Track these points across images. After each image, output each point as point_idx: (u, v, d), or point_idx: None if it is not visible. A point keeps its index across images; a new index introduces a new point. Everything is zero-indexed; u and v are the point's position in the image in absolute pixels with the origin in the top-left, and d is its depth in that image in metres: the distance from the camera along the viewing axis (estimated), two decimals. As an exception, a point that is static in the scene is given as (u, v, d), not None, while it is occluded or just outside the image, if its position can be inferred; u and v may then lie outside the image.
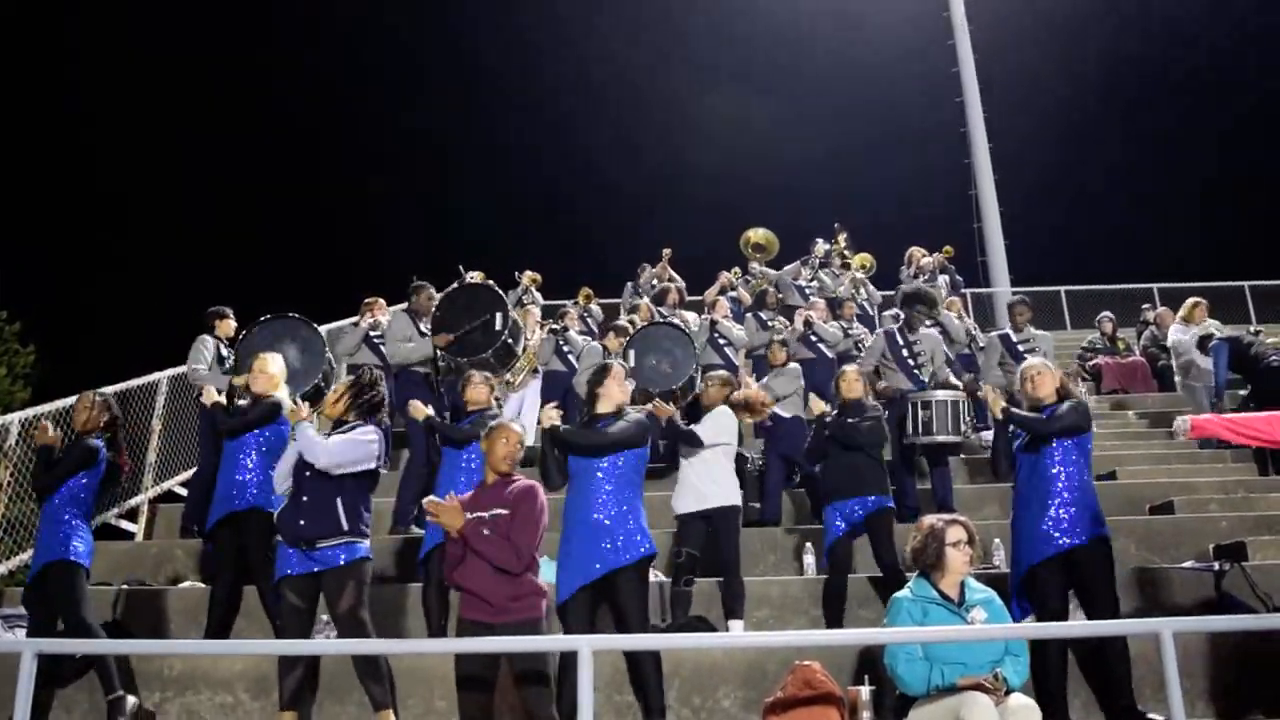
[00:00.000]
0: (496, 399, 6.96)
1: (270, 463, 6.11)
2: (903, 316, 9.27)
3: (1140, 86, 35.97)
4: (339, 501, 5.25)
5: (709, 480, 6.49)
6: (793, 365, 9.09)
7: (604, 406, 5.56)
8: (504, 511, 4.60)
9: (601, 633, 5.17)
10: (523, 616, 4.47)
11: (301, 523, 5.23)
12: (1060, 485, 5.50)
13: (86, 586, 5.95)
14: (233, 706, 5.85)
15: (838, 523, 6.62)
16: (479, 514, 4.60)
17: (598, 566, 5.17)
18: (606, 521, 5.22)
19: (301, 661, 5.32)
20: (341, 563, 5.24)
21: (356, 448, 5.33)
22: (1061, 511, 5.44)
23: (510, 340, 8.53)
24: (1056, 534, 5.41)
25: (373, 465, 5.41)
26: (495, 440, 4.82)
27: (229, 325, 8.90)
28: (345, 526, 5.25)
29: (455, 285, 8.96)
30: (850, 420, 6.82)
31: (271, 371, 6.46)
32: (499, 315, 8.46)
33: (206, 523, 6.44)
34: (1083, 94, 37.08)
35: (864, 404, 7.01)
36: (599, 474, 5.33)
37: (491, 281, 9.32)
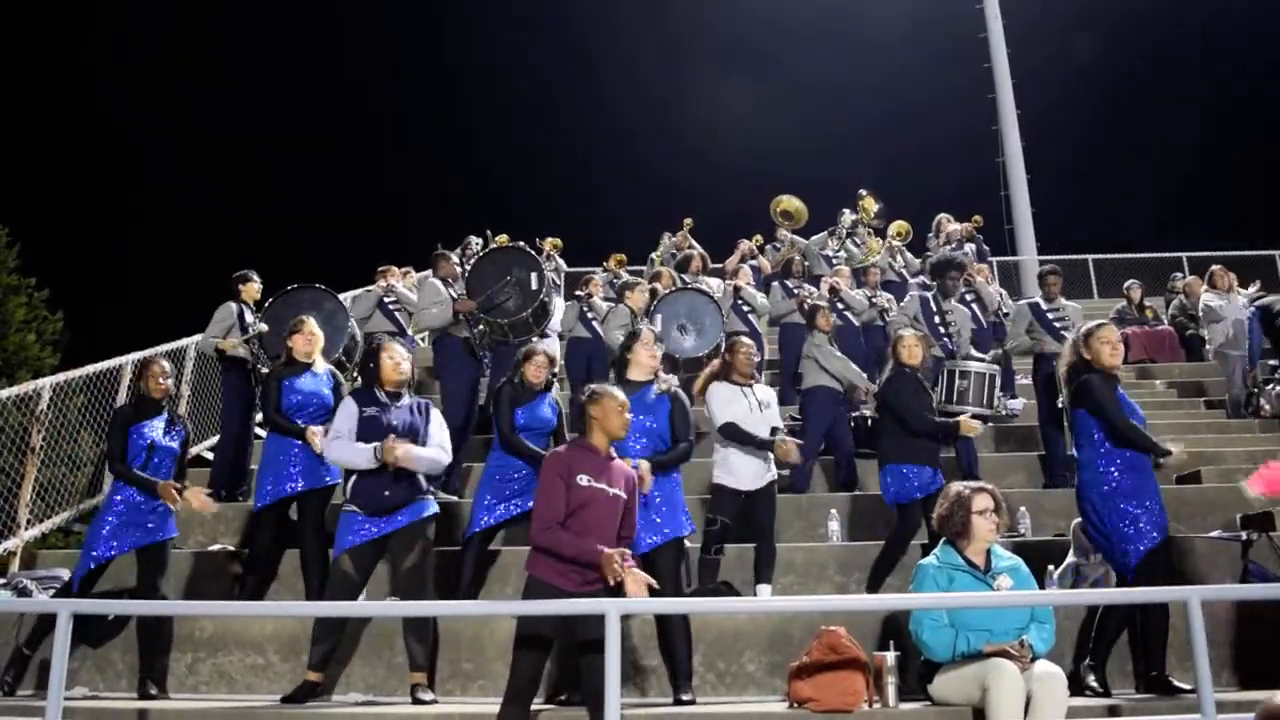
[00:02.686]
0: (554, 374, 6.96)
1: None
2: (934, 285, 9.24)
3: (1170, 53, 35.39)
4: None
5: (751, 461, 6.42)
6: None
7: (635, 374, 5.65)
8: (623, 495, 4.47)
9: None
10: (600, 586, 4.35)
11: (387, 493, 5.38)
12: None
13: None
14: (264, 668, 5.92)
15: (915, 485, 6.54)
16: (602, 486, 4.41)
17: (641, 542, 5.27)
18: (653, 499, 5.35)
19: (340, 629, 5.41)
20: (412, 520, 5.42)
21: (446, 438, 5.67)
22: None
23: (546, 300, 8.51)
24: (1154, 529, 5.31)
25: None
26: (610, 406, 4.54)
27: (254, 289, 8.92)
28: (425, 486, 5.55)
29: (485, 250, 8.94)
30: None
31: (317, 333, 6.61)
32: (534, 275, 8.42)
33: (255, 504, 6.47)
34: (1112, 60, 36.52)
35: (919, 371, 6.99)
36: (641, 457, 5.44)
37: (522, 243, 9.30)
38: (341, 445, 5.46)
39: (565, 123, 46.89)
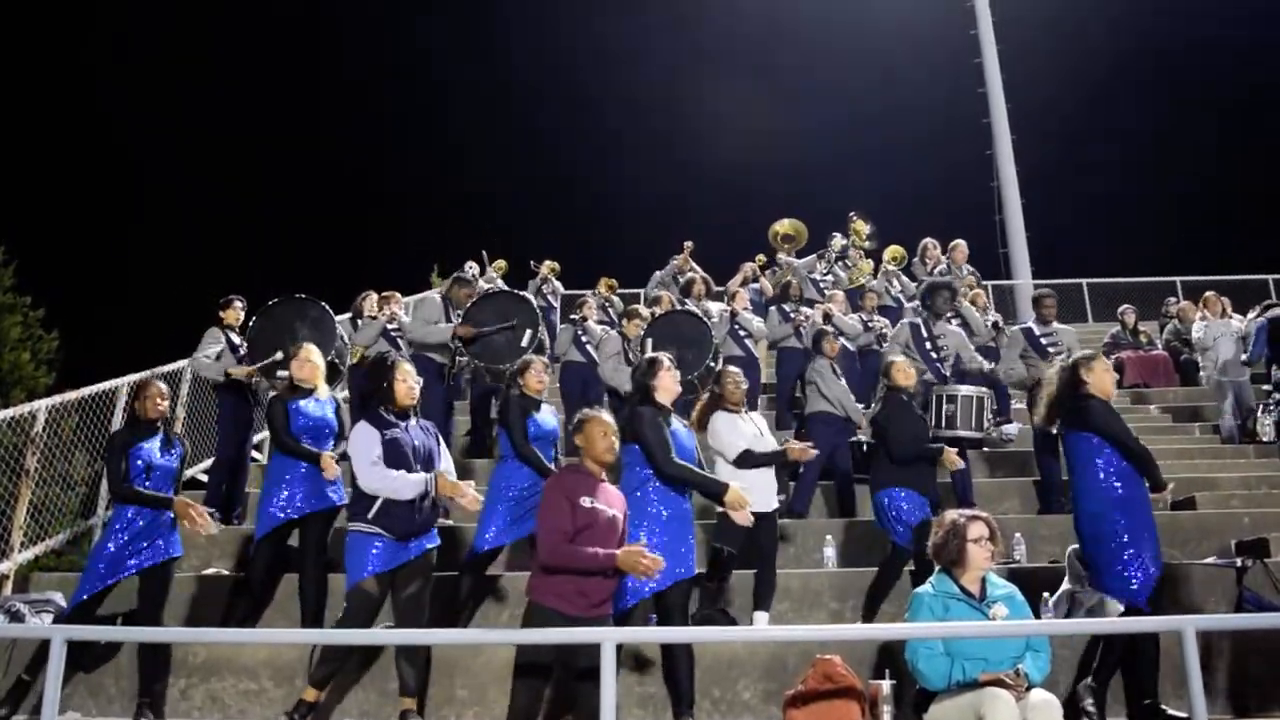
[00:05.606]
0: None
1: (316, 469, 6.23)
2: (925, 309, 9.27)
3: (1164, 78, 35.66)
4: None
5: (759, 484, 6.39)
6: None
7: (663, 398, 5.60)
8: (620, 515, 4.61)
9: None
10: (607, 611, 4.53)
11: (418, 517, 5.38)
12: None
13: None
14: (257, 693, 5.91)
15: (916, 509, 6.51)
16: (604, 508, 4.55)
17: (651, 586, 5.15)
18: (659, 540, 5.21)
19: (351, 653, 5.45)
20: (423, 549, 5.44)
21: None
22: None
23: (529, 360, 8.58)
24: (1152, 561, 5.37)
25: None
26: (594, 432, 4.68)
27: (235, 313, 8.90)
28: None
29: (497, 290, 8.99)
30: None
31: (316, 362, 6.56)
32: (529, 332, 8.46)
33: (257, 530, 6.43)
34: (1106, 85, 36.80)
35: (913, 393, 7.01)
36: (651, 491, 5.37)
37: (531, 296, 9.39)
38: (385, 474, 5.32)
39: (564, 127, 47.10)
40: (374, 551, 5.32)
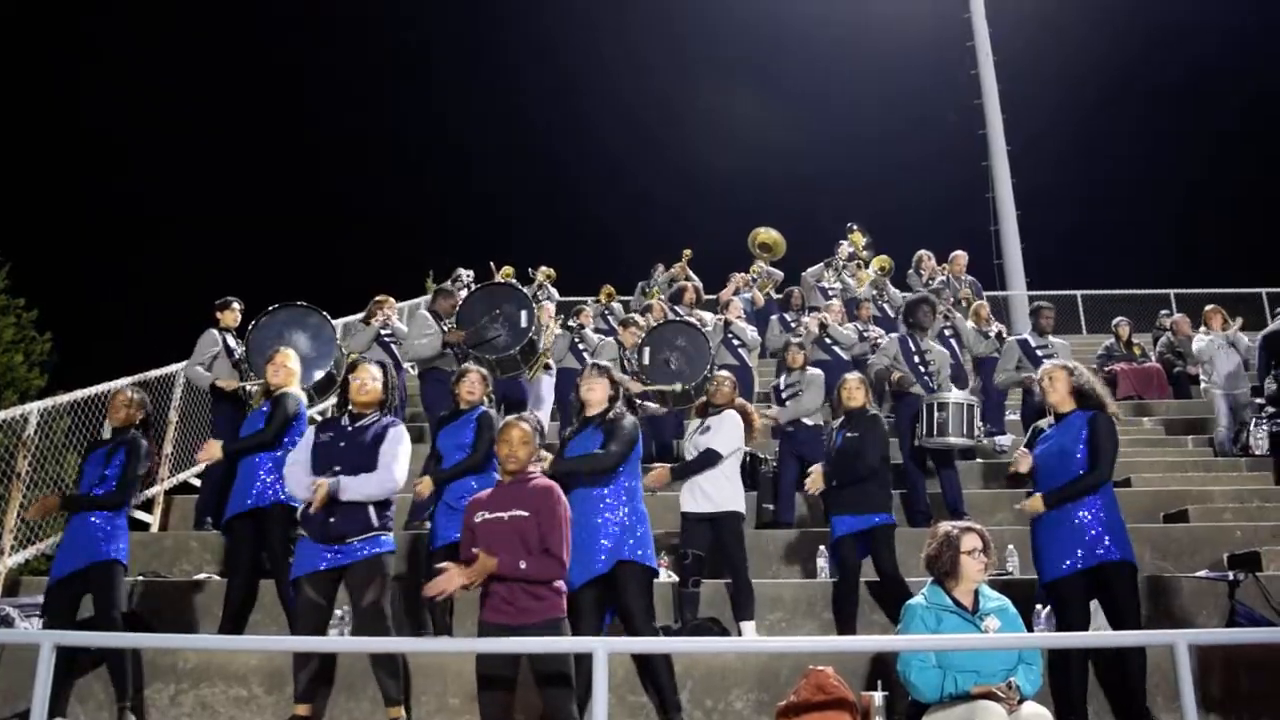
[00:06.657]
0: (489, 394, 6.95)
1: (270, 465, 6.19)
2: (908, 326, 9.26)
3: (1157, 90, 35.83)
4: (369, 502, 5.31)
5: (714, 484, 6.52)
6: (814, 372, 9.03)
7: (589, 410, 5.61)
8: (523, 513, 4.51)
9: (609, 633, 5.22)
10: (544, 618, 4.41)
11: (332, 520, 5.22)
12: (1090, 498, 5.39)
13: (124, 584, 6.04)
14: (247, 700, 5.87)
15: (842, 531, 6.59)
16: (497, 514, 4.54)
17: (603, 559, 5.21)
18: (611, 525, 5.24)
19: (316, 656, 5.34)
20: (366, 555, 5.26)
21: (400, 458, 5.40)
22: (1091, 525, 5.34)
23: (535, 337, 8.59)
24: (1081, 549, 5.31)
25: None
26: (498, 442, 4.73)
27: (233, 316, 8.91)
28: (375, 523, 5.31)
29: (478, 285, 9.01)
30: (852, 446, 6.79)
31: (291, 366, 6.50)
32: (524, 313, 8.50)
33: (223, 516, 6.43)
34: (1100, 98, 36.97)
35: (866, 413, 6.95)
36: (597, 486, 5.36)
37: (515, 280, 9.38)
38: (293, 472, 5.39)
39: (563, 129, 47.24)
40: (305, 554, 5.33)
